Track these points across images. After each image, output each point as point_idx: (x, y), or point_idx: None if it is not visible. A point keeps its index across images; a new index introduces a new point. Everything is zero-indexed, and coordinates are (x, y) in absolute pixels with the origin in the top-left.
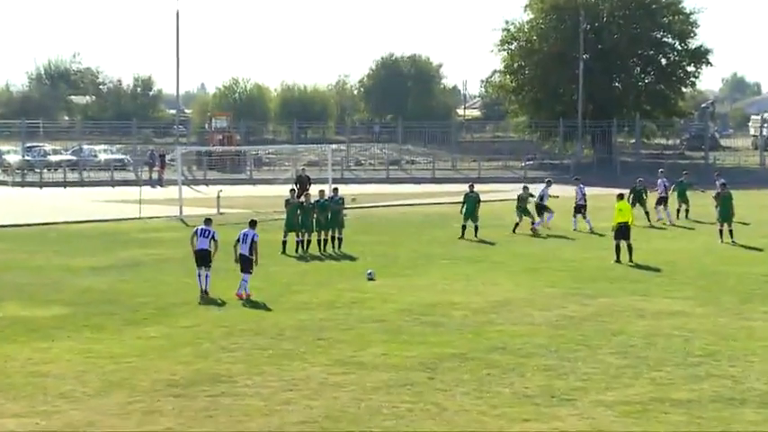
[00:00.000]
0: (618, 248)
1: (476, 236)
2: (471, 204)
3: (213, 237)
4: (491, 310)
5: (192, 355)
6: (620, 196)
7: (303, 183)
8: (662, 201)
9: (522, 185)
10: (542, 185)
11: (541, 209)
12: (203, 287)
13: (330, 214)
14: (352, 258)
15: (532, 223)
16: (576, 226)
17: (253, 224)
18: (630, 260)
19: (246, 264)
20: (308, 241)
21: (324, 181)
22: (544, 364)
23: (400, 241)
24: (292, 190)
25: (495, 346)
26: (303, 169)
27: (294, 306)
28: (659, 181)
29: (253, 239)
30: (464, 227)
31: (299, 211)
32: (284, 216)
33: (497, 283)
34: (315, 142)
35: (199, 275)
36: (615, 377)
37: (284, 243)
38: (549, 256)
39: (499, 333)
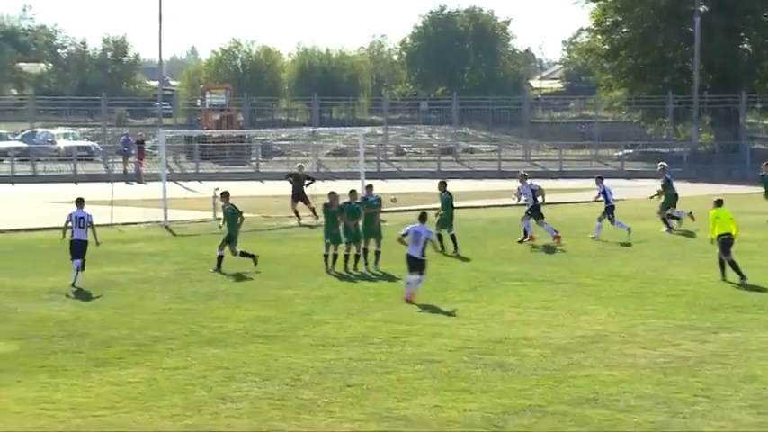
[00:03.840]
0: (722, 264)
1: (456, 250)
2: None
3: (90, 223)
4: (577, 349)
5: (182, 406)
6: (719, 203)
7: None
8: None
9: (659, 164)
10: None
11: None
12: (74, 281)
13: (363, 221)
14: (391, 279)
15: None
16: (597, 234)
17: (423, 218)
18: (741, 279)
19: (418, 266)
20: (335, 256)
21: (354, 176)
22: (650, 422)
23: (456, 255)
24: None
25: (584, 397)
26: (300, 167)
27: (315, 342)
28: None
29: (428, 239)
30: (440, 236)
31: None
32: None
33: (586, 313)
34: (342, 124)
35: (77, 271)
36: None
37: (329, 257)
38: (656, 277)
39: (588, 379)
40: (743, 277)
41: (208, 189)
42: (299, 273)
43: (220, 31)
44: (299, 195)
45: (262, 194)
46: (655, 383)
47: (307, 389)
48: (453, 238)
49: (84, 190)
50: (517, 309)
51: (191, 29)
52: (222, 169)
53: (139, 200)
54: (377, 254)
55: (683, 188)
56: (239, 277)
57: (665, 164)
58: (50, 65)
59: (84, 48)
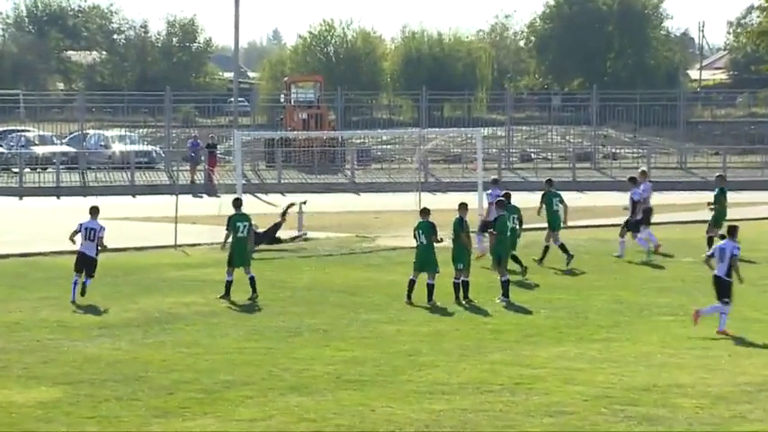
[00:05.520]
0: None
1: (429, 299)
2: (425, 234)
3: (100, 237)
4: (742, 399)
5: None
6: None
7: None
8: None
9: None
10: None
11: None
12: (74, 298)
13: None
14: (515, 309)
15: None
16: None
17: (732, 232)
18: None
19: (723, 289)
20: (456, 285)
21: (470, 187)
22: None
23: (594, 285)
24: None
25: None
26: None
27: (421, 389)
28: None
29: (733, 256)
30: (412, 282)
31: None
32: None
33: (752, 355)
34: (455, 124)
35: (75, 282)
36: None
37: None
38: None
39: None
40: None
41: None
42: (402, 304)
43: (309, 11)
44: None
45: (357, 209)
46: None
47: None
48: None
49: (143, 203)
50: (668, 349)
51: (273, 9)
52: (310, 179)
53: (209, 216)
54: (505, 285)
55: None
56: (327, 310)
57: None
58: (104, 53)
59: (145, 33)
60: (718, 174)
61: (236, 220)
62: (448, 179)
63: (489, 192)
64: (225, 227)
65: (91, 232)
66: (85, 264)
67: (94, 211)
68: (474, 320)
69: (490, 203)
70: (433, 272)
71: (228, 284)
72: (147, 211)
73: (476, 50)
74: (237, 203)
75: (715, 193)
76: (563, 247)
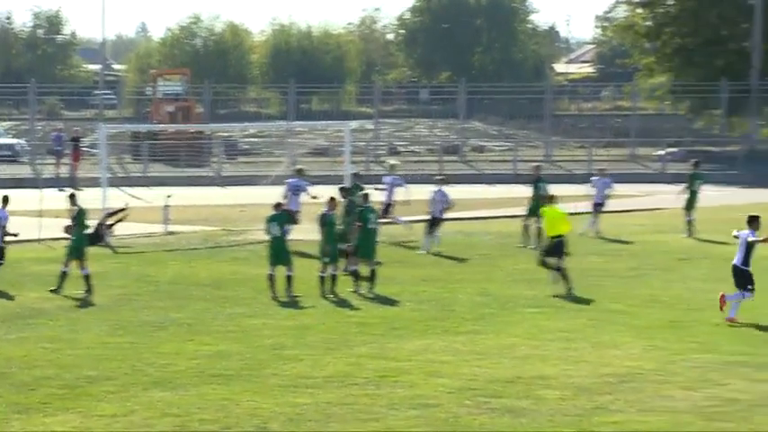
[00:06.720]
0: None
1: (288, 288)
2: (279, 226)
3: (3, 226)
4: (604, 390)
5: None
6: (550, 198)
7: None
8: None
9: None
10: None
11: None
12: None
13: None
14: (381, 302)
15: None
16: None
17: (751, 222)
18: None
19: (736, 278)
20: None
21: (337, 180)
22: None
23: (460, 277)
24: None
25: None
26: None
27: (286, 383)
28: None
29: (747, 240)
30: (271, 276)
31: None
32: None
33: (616, 346)
34: (324, 117)
35: None
36: None
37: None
38: (700, 303)
39: (617, 426)
40: (569, 287)
41: (158, 196)
42: (267, 298)
43: (176, 4)
44: None
45: (224, 203)
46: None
47: None
48: (289, 279)
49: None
50: (533, 341)
51: (140, 1)
52: (176, 172)
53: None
54: (372, 276)
55: (738, 194)
56: (192, 304)
57: (539, 164)
58: None
59: (9, 24)
60: (535, 164)
61: (83, 214)
62: (316, 172)
63: (289, 181)
64: (71, 221)
65: None
66: None
67: (5, 200)
68: (340, 314)
69: (289, 192)
70: (288, 264)
71: (87, 278)
72: (11, 204)
73: (345, 43)
74: (75, 198)
75: (532, 185)
76: None
